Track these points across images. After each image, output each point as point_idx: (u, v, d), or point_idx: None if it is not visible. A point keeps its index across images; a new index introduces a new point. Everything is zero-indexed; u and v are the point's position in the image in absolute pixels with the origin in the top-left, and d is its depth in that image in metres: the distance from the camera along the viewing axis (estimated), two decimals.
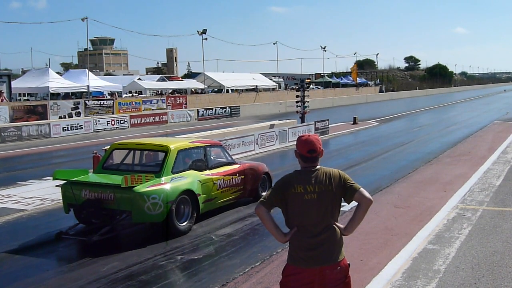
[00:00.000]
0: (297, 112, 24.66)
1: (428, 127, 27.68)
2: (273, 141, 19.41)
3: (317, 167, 3.79)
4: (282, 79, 70.27)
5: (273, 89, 58.26)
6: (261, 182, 9.98)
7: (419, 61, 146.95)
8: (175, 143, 8.63)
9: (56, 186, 8.93)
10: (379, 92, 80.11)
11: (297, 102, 24.50)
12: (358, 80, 79.62)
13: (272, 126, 22.48)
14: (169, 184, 7.83)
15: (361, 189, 3.73)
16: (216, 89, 51.61)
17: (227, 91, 50.80)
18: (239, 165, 9.62)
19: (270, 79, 62.31)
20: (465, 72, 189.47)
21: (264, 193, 8.38)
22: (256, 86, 53.09)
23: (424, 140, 21.58)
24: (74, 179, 8.01)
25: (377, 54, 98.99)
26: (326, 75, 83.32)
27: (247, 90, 52.45)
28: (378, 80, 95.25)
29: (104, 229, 7.59)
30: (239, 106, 41.65)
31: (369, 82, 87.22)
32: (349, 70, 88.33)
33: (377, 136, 23.23)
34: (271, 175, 10.30)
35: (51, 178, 8.25)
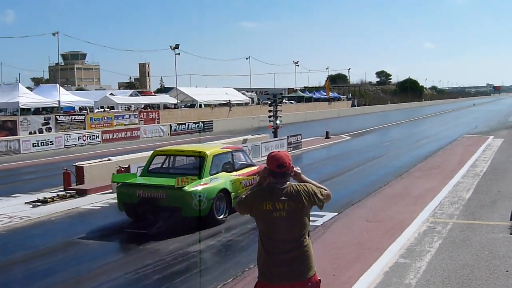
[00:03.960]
0: (270, 126, 24.72)
1: (399, 141, 28.06)
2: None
3: (287, 183, 3.80)
4: (255, 94, 70.61)
5: (246, 103, 58.41)
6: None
7: (390, 75, 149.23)
8: (210, 150, 10.15)
9: (116, 188, 10.03)
10: (351, 106, 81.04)
11: (270, 117, 24.58)
12: (331, 94, 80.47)
13: (245, 141, 22.49)
14: (209, 184, 9.40)
15: (326, 192, 3.87)
16: (189, 104, 51.46)
17: (200, 106, 50.72)
18: (258, 167, 10.93)
19: (243, 93, 62.50)
20: (435, 87, 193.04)
21: None
22: (229, 100, 53.14)
23: (395, 154, 21.85)
24: (128, 181, 9.45)
25: (349, 69, 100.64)
26: (299, 90, 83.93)
27: (220, 104, 52.45)
28: (350, 94, 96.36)
29: (158, 224, 8.84)
30: (212, 121, 41.57)
31: (341, 97, 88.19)
32: (322, 85, 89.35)
33: (349, 151, 23.43)
34: None
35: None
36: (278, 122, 24.23)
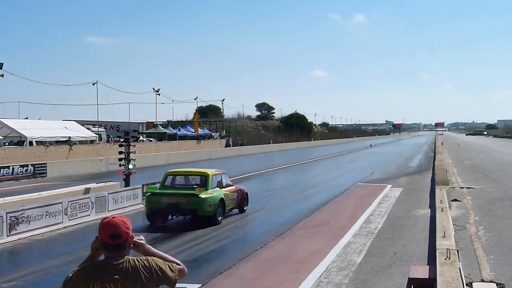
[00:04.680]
0: (120, 172, 24.29)
1: (282, 191, 28.94)
2: (88, 211, 18.79)
3: (125, 257, 3.72)
4: (104, 129, 69.24)
5: (92, 141, 57.06)
6: (245, 199, 20.16)
7: (273, 109, 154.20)
8: (210, 171, 18.55)
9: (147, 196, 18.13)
10: (226, 146, 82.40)
11: (120, 159, 24.19)
12: (200, 131, 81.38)
13: (87, 190, 21.89)
14: (213, 194, 17.28)
15: (179, 268, 3.88)
16: (16, 141, 49.15)
17: (31, 143, 48.65)
18: (234, 187, 19.72)
19: (88, 128, 61.06)
20: (326, 123, 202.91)
21: (246, 207, 19.96)
22: (70, 137, 51.56)
23: (277, 206, 22.47)
24: (157, 191, 17.85)
25: (223, 100, 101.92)
26: (160, 125, 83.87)
27: (57, 142, 50.68)
28: (224, 131, 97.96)
29: (174, 218, 17.66)
30: (46, 163, 39.96)
31: (213, 134, 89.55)
32: (189, 119, 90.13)
33: None
34: (248, 196, 20.44)
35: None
36: (130, 166, 23.90)
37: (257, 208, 21.51)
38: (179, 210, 17.42)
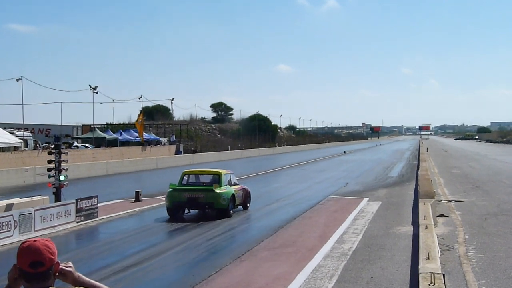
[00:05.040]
0: (49, 185, 23.98)
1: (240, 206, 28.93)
2: (10, 231, 18.48)
3: None
4: (31, 134, 68.31)
5: (16, 148, 56.25)
6: (248, 197, 26.01)
7: (232, 109, 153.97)
8: (222, 170, 24.69)
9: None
10: (176, 153, 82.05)
11: (50, 169, 23.88)
12: (146, 136, 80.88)
13: (9, 206, 21.52)
14: (226, 190, 23.31)
15: None
16: None
17: None
18: (240, 185, 25.48)
19: (12, 132, 60.17)
20: (293, 126, 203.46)
21: (249, 205, 26.15)
22: None
23: (231, 223, 22.40)
24: (178, 187, 23.65)
25: (172, 99, 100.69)
26: (98, 128, 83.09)
27: None
28: (174, 136, 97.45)
29: (192, 212, 24.14)
30: None
31: (161, 139, 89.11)
32: (133, 121, 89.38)
33: (173, 219, 23.52)
34: (251, 194, 26.49)
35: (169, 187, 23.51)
36: (62, 177, 23.62)
37: (213, 226, 21.47)
38: (198, 203, 23.63)
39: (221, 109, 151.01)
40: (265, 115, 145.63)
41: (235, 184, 25.18)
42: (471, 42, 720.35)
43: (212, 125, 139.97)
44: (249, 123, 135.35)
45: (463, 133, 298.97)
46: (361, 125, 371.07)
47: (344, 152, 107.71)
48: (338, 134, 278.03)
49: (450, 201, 27.77)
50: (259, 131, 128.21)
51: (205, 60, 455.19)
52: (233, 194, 23.92)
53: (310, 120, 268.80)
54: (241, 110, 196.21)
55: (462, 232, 18.96)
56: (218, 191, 23.24)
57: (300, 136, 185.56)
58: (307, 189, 36.95)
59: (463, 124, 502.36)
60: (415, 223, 19.54)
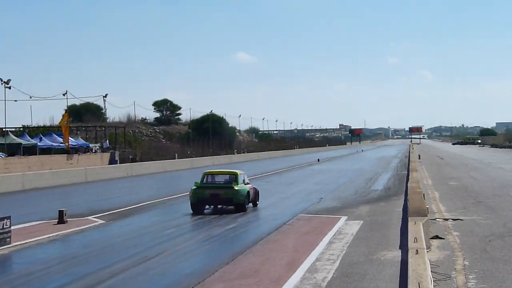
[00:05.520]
0: None
1: (191, 226, 28.94)
2: None
3: None
4: None
5: None
6: (257, 195, 35.90)
7: (179, 108, 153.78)
8: (238, 171, 34.73)
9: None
10: (110, 163, 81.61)
11: None
12: (72, 141, 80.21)
13: None
14: (243, 187, 33.51)
15: None
16: None
17: None
18: (251, 185, 35.39)
19: None
20: (255, 129, 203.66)
21: (258, 203, 36.02)
22: None
23: (185, 249, 22.30)
24: (202, 185, 33.72)
25: (106, 96, 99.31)
26: (12, 132, 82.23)
27: None
28: (108, 141, 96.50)
29: (214, 208, 34.25)
30: None
31: (91, 145, 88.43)
32: (56, 123, 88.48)
33: (103, 246, 23.40)
34: (259, 193, 36.45)
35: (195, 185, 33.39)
36: None
37: (156, 252, 21.34)
38: (219, 199, 32.89)
39: (166, 108, 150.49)
40: (221, 115, 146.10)
41: (247, 183, 34.65)
42: (472, 24, 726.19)
43: (155, 127, 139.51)
44: (201, 125, 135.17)
45: (463, 136, 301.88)
46: (338, 127, 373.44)
47: (318, 160, 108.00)
48: (311, 138, 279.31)
49: (447, 219, 28.01)
50: (214, 135, 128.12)
51: (145, 47, 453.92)
52: (248, 191, 33.66)
53: (276, 121, 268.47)
54: (191, 109, 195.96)
55: (461, 258, 19.10)
56: (236, 188, 32.75)
57: (264, 141, 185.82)
58: (272, 206, 36.89)
59: (463, 125, 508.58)
60: (404, 246, 19.63)
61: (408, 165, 69.60)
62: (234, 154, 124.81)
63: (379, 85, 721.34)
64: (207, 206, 33.81)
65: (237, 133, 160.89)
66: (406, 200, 32.43)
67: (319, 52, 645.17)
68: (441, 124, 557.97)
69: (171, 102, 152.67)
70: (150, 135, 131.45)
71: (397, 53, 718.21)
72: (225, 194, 32.82)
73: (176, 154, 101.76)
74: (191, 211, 32.51)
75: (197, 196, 32.99)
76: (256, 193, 35.82)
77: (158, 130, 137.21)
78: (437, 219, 27.83)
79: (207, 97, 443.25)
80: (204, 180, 34.06)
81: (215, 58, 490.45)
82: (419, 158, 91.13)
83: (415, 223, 21.82)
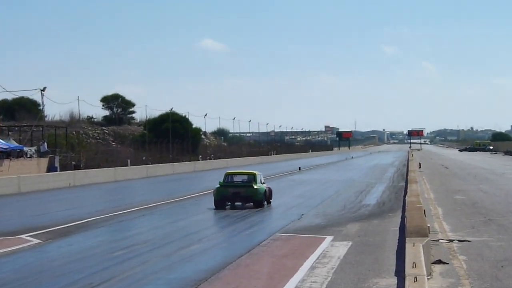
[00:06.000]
0: None
1: (144, 248, 28.51)
2: None
3: None
4: None
5: None
6: (271, 194, 48.48)
7: (133, 105, 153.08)
8: (256, 172, 47.86)
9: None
10: (49, 170, 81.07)
11: None
12: (2, 144, 79.78)
13: None
14: (261, 186, 46.25)
15: None
16: None
17: None
18: (266, 184, 48.15)
19: None
20: (225, 131, 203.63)
21: (271, 201, 48.44)
22: None
23: (136, 275, 22.21)
24: (224, 184, 46.45)
25: (44, 90, 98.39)
26: None
27: None
28: (46, 144, 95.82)
29: (238, 204, 46.74)
30: None
31: (26, 149, 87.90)
32: None
33: (38, 271, 23.24)
34: (272, 192, 49.35)
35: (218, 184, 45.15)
36: None
37: (100, 280, 21.20)
38: (240, 196, 43.91)
39: (117, 105, 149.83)
40: (183, 114, 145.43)
41: (263, 183, 46.16)
42: (482, 7, 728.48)
43: (104, 128, 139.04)
44: (158, 125, 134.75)
45: (472, 141, 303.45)
46: (323, 130, 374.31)
47: (299, 169, 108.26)
48: (291, 143, 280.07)
49: (452, 240, 28.13)
50: (174, 138, 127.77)
51: (92, 32, 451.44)
52: (265, 190, 45.05)
53: (250, 121, 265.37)
54: (147, 107, 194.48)
55: (468, 286, 19.15)
56: (255, 187, 43.86)
57: (234, 145, 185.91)
58: (243, 223, 36.94)
59: (472, 128, 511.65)
60: (400, 273, 19.67)
61: (407, 175, 69.82)
62: (199, 160, 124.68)
63: (372, 79, 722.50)
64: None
65: (203, 136, 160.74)
66: (403, 217, 32.36)
67: (301, 39, 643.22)
68: (446, 127, 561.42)
69: (123, 98, 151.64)
70: (98, 137, 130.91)
71: (394, 42, 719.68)
72: (246, 192, 44.27)
73: (129, 160, 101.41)
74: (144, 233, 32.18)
75: (221, 194, 44.19)
76: (270, 192, 47.68)
77: (107, 131, 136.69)
78: (440, 240, 27.94)
79: (166, 92, 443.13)
80: (226, 180, 45.27)
81: (176, 46, 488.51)
82: (420, 167, 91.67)
83: (414, 245, 21.89)
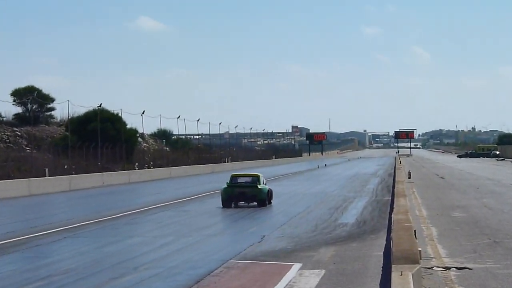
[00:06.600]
0: None
1: (68, 278, 28.47)
2: None
3: None
4: None
5: None
6: (271, 194, 68.95)
7: (52, 100, 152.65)
8: (259, 173, 70.16)
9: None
10: None
11: None
12: None
13: None
14: (264, 186, 67.27)
15: None
16: None
17: None
18: (267, 185, 69.29)
19: None
20: (167, 132, 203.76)
21: (272, 201, 68.50)
22: None
23: None
24: (231, 184, 67.87)
25: None
26: None
27: None
28: None
29: (243, 203, 66.94)
30: None
31: None
32: None
33: None
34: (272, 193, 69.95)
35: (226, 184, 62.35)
36: None
37: None
38: (245, 196, 61.46)
39: (32, 100, 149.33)
40: (115, 112, 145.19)
41: (266, 183, 61.81)
42: None
43: (15, 129, 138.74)
44: (84, 125, 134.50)
45: (473, 145, 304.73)
46: (290, 130, 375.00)
47: (287, 176, 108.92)
48: (250, 147, 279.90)
49: (448, 268, 28.30)
50: (104, 141, 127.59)
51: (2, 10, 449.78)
52: (268, 190, 60.56)
53: (198, 120, 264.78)
54: (69, 102, 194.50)
55: None
56: (259, 187, 59.27)
57: (179, 151, 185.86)
58: (190, 247, 37.05)
59: (473, 128, 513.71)
60: None
61: (393, 187, 70.08)
62: (135, 169, 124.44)
63: (350, 68, 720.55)
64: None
65: (140, 139, 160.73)
66: (389, 240, 32.60)
67: (262, 18, 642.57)
68: (442, 128, 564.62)
69: (39, 91, 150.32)
70: (7, 140, 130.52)
71: (377, 22, 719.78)
72: (251, 192, 60.11)
73: (47, 170, 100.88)
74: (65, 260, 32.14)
75: (228, 194, 59.97)
76: (271, 193, 64.42)
77: (19, 133, 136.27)
78: (434, 268, 28.11)
79: (93, 84, 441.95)
80: (233, 181, 61.21)
81: (104, 26, 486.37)
82: (409, 177, 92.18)
83: (401, 274, 22.04)
